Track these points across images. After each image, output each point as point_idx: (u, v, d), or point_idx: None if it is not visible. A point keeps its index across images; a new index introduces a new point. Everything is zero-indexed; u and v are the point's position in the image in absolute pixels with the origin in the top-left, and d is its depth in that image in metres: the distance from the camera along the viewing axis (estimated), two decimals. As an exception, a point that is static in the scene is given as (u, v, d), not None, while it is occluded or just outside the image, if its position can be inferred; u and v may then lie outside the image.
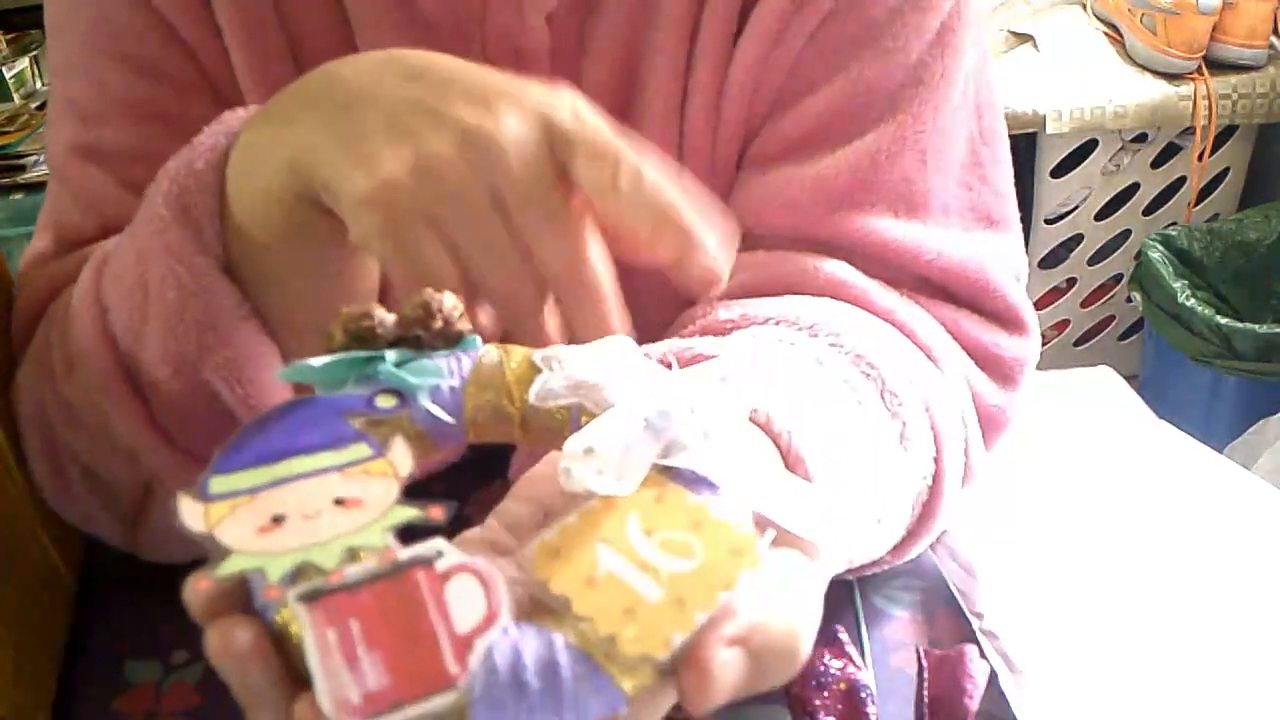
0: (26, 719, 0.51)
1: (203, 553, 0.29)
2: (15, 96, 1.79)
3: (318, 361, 0.33)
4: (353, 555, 0.28)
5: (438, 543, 0.28)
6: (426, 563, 0.28)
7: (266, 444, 0.31)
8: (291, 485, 0.30)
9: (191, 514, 0.29)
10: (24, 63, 1.83)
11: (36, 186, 1.56)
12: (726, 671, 0.28)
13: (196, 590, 0.28)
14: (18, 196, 1.57)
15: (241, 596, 0.28)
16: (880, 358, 0.49)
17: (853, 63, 0.54)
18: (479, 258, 0.37)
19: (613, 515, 0.30)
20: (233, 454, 0.31)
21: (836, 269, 0.54)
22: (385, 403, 0.32)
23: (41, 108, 1.74)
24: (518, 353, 0.34)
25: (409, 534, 0.29)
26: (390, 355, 0.33)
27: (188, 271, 0.44)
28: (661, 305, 0.60)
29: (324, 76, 0.41)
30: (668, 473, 0.32)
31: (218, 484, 0.30)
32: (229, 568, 0.28)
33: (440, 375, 0.33)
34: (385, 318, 0.33)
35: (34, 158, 1.59)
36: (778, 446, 0.39)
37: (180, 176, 0.44)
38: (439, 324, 0.33)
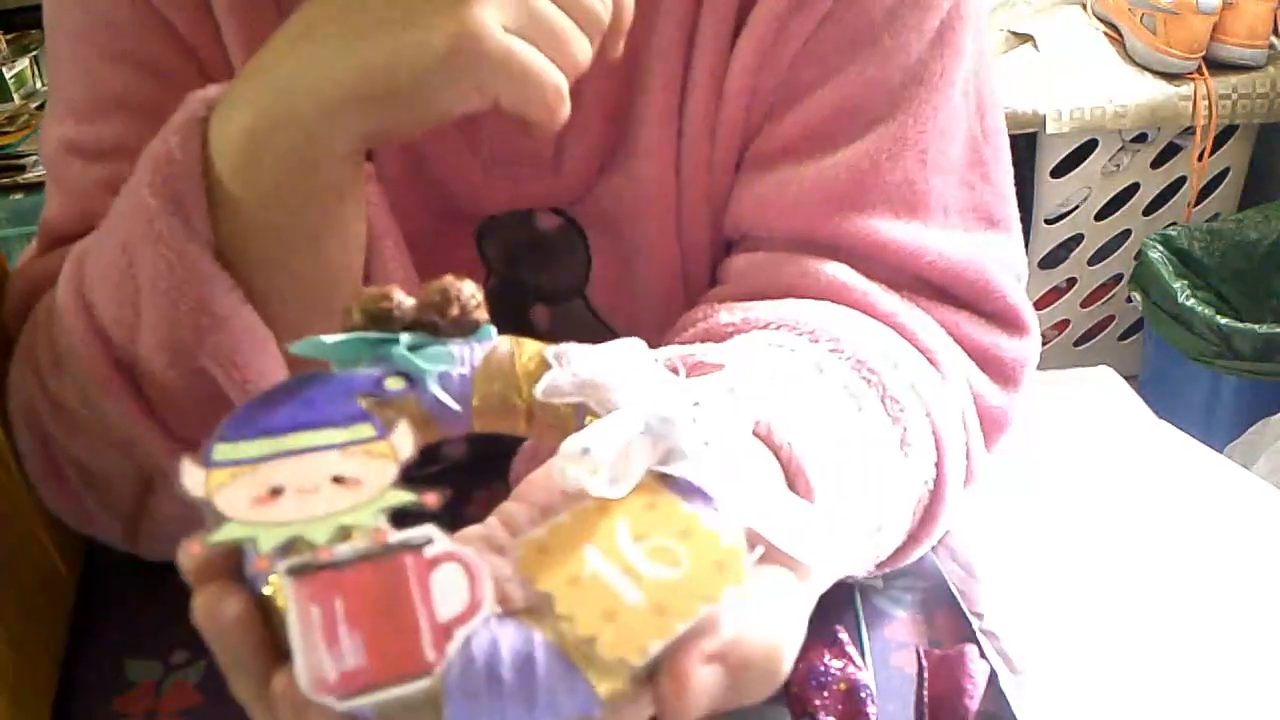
0: (26, 719, 0.51)
1: None
2: (15, 96, 1.79)
3: (331, 338, 0.33)
4: (345, 533, 0.28)
5: (429, 529, 0.29)
6: (416, 548, 0.28)
7: (273, 417, 0.31)
8: (292, 459, 0.30)
9: (192, 478, 0.30)
10: (24, 63, 1.83)
11: (36, 186, 1.56)
12: (704, 686, 0.29)
13: (189, 554, 0.29)
14: (18, 196, 1.57)
15: (233, 564, 0.29)
16: (881, 363, 0.49)
17: (852, 63, 0.54)
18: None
19: (603, 519, 0.31)
20: (240, 423, 0.31)
21: (837, 272, 0.54)
22: (394, 385, 0.33)
23: (41, 108, 1.74)
24: (530, 346, 0.35)
25: (403, 519, 0.29)
26: (405, 338, 0.33)
27: (179, 259, 0.44)
28: (662, 307, 0.60)
29: (290, 28, 0.42)
30: (664, 480, 0.32)
31: (222, 451, 0.30)
32: (223, 535, 0.28)
33: (451, 362, 0.34)
34: (403, 300, 0.34)
35: (34, 158, 1.59)
36: (778, 458, 0.39)
37: (162, 165, 0.44)
38: (455, 311, 0.34)
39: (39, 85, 1.85)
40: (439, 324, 0.34)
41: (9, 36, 1.87)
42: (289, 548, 0.28)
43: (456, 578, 0.28)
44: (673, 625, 0.28)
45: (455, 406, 0.33)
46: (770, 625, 0.31)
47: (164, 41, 0.54)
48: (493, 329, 0.35)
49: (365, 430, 0.31)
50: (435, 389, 0.33)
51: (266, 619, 0.28)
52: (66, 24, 0.56)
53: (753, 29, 0.54)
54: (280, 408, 0.32)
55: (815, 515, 0.37)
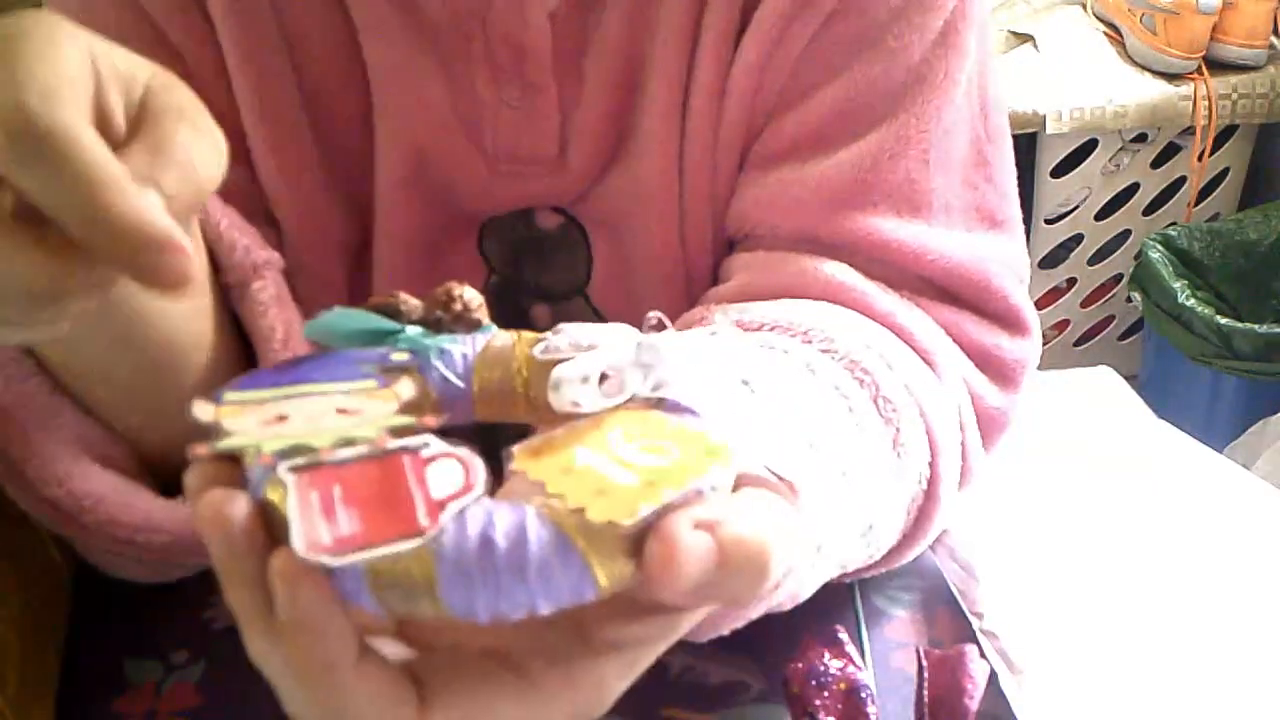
0: (27, 717, 0.51)
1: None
2: (15, 95, 1.79)
3: (342, 310, 0.34)
4: (346, 442, 0.30)
5: (427, 437, 0.30)
6: (414, 451, 0.30)
7: (281, 377, 0.33)
8: (299, 399, 0.32)
9: (202, 409, 0.31)
10: (24, 62, 1.83)
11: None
12: (691, 552, 0.28)
13: (194, 457, 0.29)
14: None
15: (235, 484, 0.29)
16: (875, 364, 0.49)
17: (855, 63, 0.54)
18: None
19: (596, 428, 0.32)
20: (248, 380, 0.33)
21: (836, 271, 0.54)
22: (399, 357, 0.34)
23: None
24: (528, 335, 0.36)
25: None
26: (411, 330, 0.35)
27: None
28: (663, 306, 0.60)
29: None
30: (653, 403, 0.33)
31: (231, 395, 0.32)
32: (229, 442, 0.30)
33: (455, 344, 0.35)
34: (410, 300, 0.35)
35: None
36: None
37: None
38: (459, 307, 0.35)
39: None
40: (443, 320, 0.35)
41: (9, 35, 1.87)
42: (292, 453, 0.29)
43: (453, 468, 0.29)
44: (661, 492, 0.29)
45: (458, 382, 0.34)
46: (760, 522, 0.31)
47: (151, 48, 0.53)
48: (494, 327, 0.36)
49: (369, 384, 0.33)
50: (439, 364, 0.34)
51: (267, 530, 0.29)
52: None
53: (757, 27, 0.54)
54: (287, 371, 0.33)
55: (795, 447, 0.38)
